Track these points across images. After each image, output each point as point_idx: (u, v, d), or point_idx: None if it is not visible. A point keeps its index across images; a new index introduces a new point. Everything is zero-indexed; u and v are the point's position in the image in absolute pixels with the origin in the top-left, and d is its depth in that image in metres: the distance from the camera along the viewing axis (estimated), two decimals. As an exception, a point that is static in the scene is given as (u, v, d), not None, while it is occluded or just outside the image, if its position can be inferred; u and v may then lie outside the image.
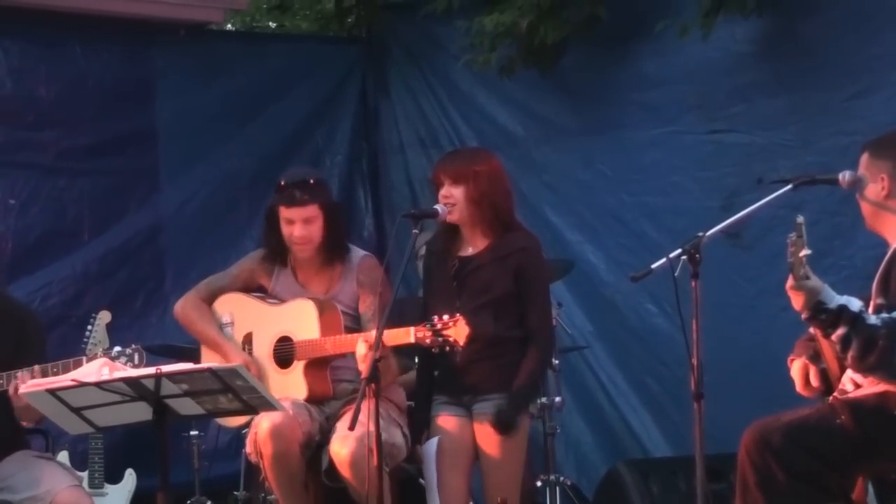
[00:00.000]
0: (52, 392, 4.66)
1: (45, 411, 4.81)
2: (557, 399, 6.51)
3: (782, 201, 5.12)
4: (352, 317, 5.78)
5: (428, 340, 5.28)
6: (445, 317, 5.27)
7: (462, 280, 5.58)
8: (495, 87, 8.20)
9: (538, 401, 6.49)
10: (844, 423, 4.68)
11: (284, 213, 5.76)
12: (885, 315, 4.65)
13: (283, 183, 5.77)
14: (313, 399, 5.70)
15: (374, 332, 5.24)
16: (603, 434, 7.88)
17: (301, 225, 5.74)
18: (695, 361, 4.84)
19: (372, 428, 5.08)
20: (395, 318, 5.37)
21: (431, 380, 5.67)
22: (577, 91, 7.97)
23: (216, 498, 7.26)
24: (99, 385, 4.60)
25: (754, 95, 7.19)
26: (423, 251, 5.90)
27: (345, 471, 5.42)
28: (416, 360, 5.92)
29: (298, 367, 5.70)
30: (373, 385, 5.06)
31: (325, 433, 5.63)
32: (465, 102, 8.54)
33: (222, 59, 8.60)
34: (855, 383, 4.84)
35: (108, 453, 7.11)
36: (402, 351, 5.63)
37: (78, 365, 5.20)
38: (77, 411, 4.71)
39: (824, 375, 4.95)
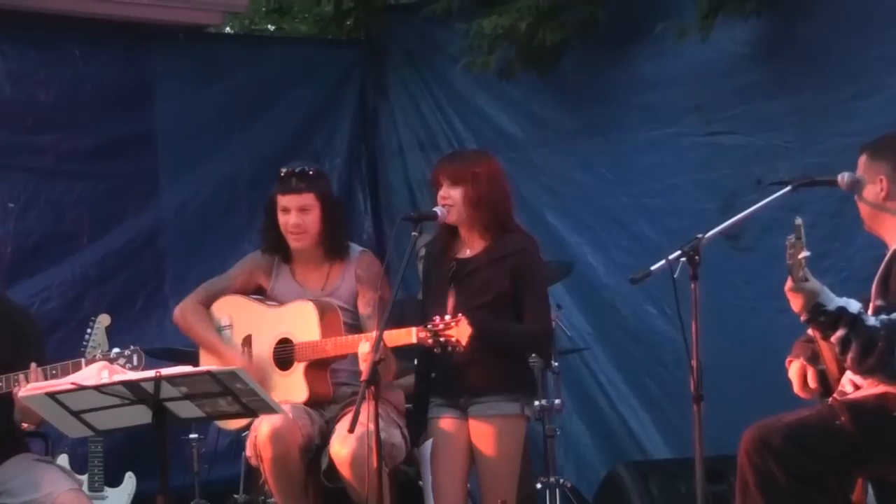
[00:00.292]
0: (52, 395, 4.66)
1: (44, 414, 4.80)
2: (557, 401, 6.49)
3: (781, 203, 5.12)
4: (350, 313, 5.77)
5: (430, 341, 5.27)
6: (447, 317, 5.26)
7: (460, 281, 5.58)
8: (494, 90, 8.19)
9: (537, 403, 6.48)
10: (844, 424, 4.67)
11: (281, 200, 5.76)
12: (884, 317, 4.64)
13: (283, 172, 5.78)
14: (314, 401, 5.69)
15: (375, 333, 5.24)
16: (602, 436, 7.88)
17: (296, 213, 5.73)
18: (694, 363, 4.84)
19: (372, 427, 5.07)
20: (396, 319, 5.37)
21: (429, 382, 5.67)
22: (576, 93, 7.96)
23: (216, 501, 7.24)
24: (98, 388, 4.60)
25: (753, 97, 7.20)
26: (422, 253, 5.90)
27: (345, 471, 5.42)
28: (415, 362, 5.91)
29: (299, 368, 5.70)
30: (372, 387, 5.06)
31: (325, 436, 5.62)
32: (464, 105, 8.53)
33: (221, 61, 8.58)
34: (854, 384, 4.83)
35: (107, 456, 7.11)
36: (401, 353, 5.62)
37: (77, 368, 5.19)
38: (76, 414, 4.70)
39: (822, 377, 4.94)
